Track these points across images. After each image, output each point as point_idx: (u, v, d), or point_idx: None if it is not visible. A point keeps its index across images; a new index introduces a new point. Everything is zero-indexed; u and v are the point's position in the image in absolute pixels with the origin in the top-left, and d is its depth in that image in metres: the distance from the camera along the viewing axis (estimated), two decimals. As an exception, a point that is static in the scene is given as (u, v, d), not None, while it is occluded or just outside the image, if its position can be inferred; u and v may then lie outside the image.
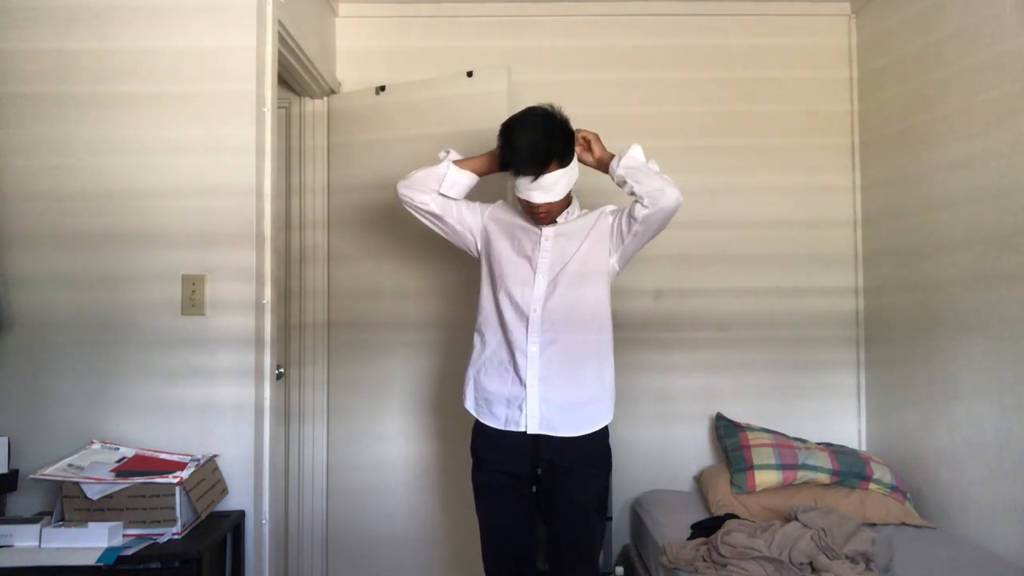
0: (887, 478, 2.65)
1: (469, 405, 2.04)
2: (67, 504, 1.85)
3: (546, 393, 1.93)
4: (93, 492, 1.83)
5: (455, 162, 2.03)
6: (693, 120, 3.11)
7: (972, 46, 2.39)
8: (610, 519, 2.77)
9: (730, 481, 2.70)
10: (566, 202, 2.00)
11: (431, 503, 2.70)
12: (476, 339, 2.06)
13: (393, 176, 1.94)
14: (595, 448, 1.97)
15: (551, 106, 1.93)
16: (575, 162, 1.98)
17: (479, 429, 2.02)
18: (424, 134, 2.73)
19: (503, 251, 2.03)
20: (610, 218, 2.02)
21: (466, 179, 2.03)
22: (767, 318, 3.08)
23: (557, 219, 2.02)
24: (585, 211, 2.08)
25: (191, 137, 2.11)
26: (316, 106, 2.95)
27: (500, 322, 2.00)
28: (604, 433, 1.98)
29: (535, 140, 1.86)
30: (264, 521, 2.17)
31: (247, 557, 2.10)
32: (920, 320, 2.68)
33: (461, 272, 2.65)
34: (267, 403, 2.18)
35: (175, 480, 1.86)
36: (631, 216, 1.93)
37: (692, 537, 2.32)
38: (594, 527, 2.00)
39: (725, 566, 2.03)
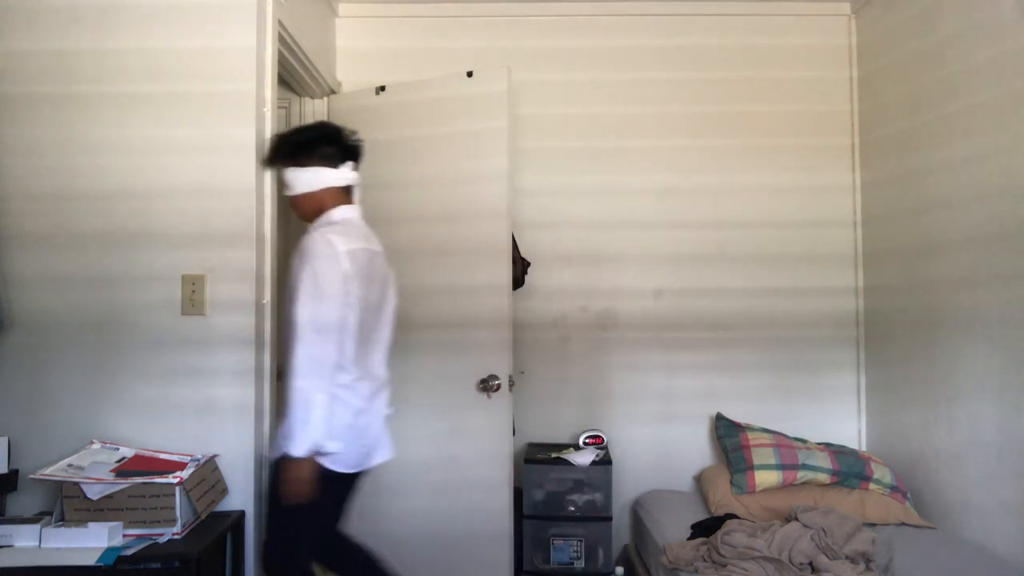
0: (887, 478, 2.65)
1: None
2: (67, 504, 1.85)
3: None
4: (93, 492, 1.84)
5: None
6: (693, 120, 3.11)
7: (972, 46, 2.39)
8: (610, 519, 2.77)
9: (730, 481, 2.70)
10: (310, 211, 1.95)
11: (431, 503, 2.70)
12: None
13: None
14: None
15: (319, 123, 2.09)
16: (312, 173, 1.92)
17: None
18: (424, 134, 2.73)
19: None
20: (298, 268, 1.81)
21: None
22: (767, 318, 3.08)
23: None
24: (322, 233, 1.85)
25: (191, 137, 2.11)
26: (316, 106, 2.94)
27: None
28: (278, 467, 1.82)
29: None
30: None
31: (247, 557, 2.10)
32: (920, 320, 2.68)
33: (461, 272, 2.65)
34: (267, 403, 2.18)
35: (175, 480, 1.86)
36: None
37: (692, 537, 2.32)
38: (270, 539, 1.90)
39: (725, 566, 2.03)
